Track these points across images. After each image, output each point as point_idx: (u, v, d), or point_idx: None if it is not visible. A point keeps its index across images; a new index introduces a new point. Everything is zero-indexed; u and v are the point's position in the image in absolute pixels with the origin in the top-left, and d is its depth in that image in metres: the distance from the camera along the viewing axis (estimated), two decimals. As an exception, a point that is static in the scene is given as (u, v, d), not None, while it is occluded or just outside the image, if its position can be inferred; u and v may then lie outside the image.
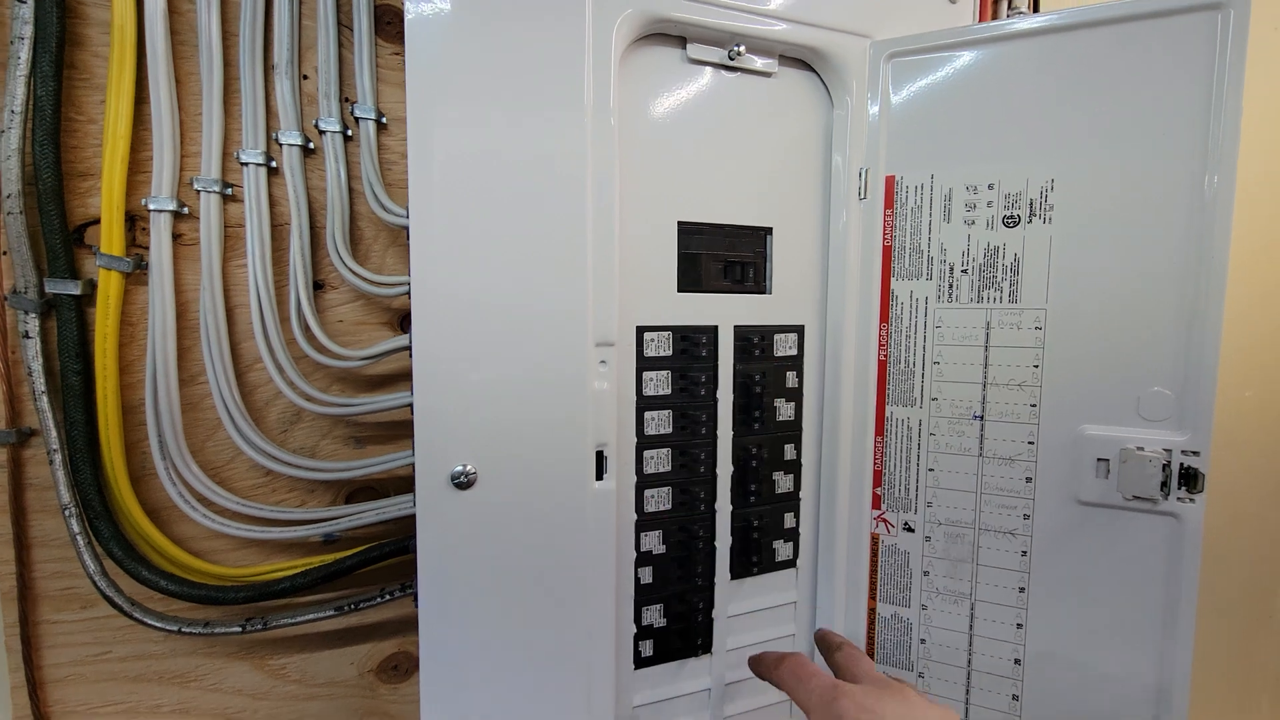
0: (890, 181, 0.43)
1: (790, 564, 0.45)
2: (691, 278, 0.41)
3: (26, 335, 0.36)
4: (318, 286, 0.41)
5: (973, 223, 0.40)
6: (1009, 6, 0.59)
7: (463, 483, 0.35)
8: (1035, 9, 0.61)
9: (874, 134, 0.43)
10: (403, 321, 0.44)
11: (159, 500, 0.39)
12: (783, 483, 0.45)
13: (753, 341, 0.43)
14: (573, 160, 0.36)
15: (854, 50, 0.42)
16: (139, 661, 0.40)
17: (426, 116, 0.33)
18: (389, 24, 0.42)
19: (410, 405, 0.41)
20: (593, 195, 0.36)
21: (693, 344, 0.41)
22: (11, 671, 0.37)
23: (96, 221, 0.37)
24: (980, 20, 0.58)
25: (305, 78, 0.41)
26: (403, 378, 0.44)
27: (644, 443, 0.40)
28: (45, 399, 0.36)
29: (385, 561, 0.40)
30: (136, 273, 0.38)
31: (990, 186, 0.40)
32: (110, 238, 0.36)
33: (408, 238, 0.41)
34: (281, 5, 0.39)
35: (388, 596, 0.41)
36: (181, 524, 0.40)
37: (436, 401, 0.34)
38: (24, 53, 0.34)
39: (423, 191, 0.33)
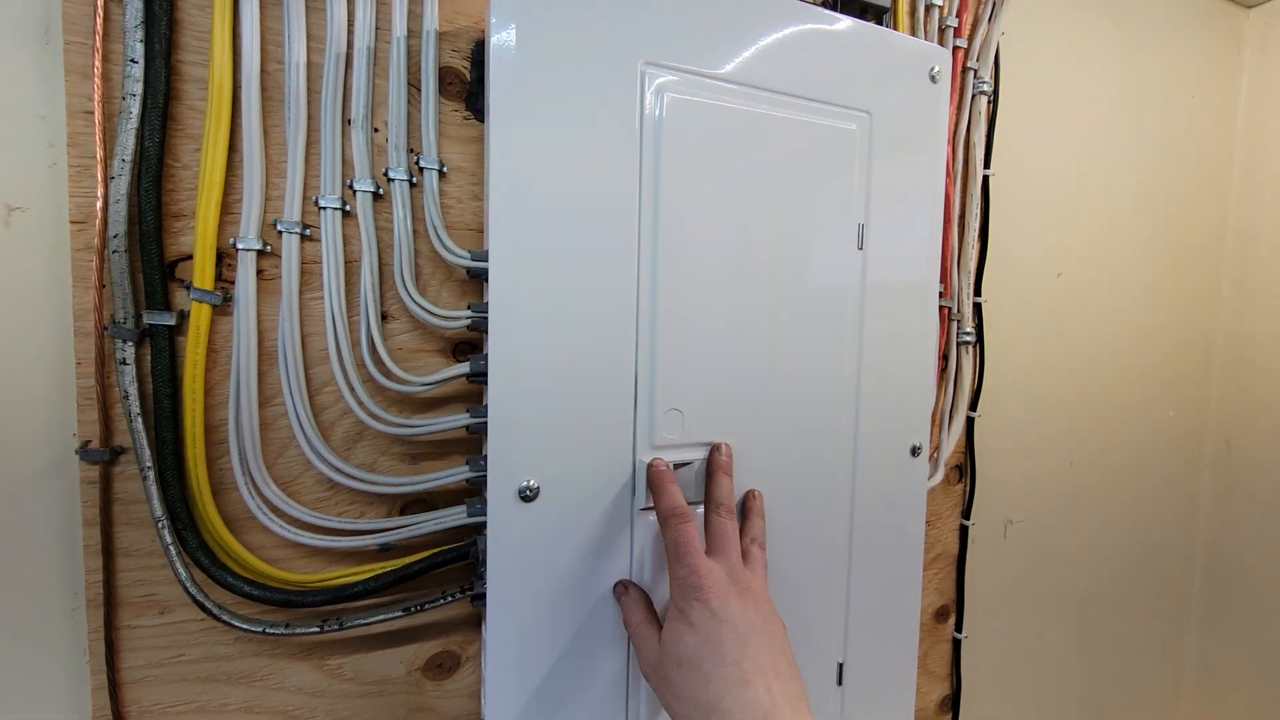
0: (884, 236, 0.50)
1: (796, 566, 0.52)
2: (717, 315, 0.47)
3: (124, 362, 0.39)
4: (383, 317, 0.46)
5: (953, 274, 0.48)
6: (975, 79, 0.68)
7: (528, 496, 0.40)
8: (996, 85, 0.70)
9: (869, 195, 0.50)
10: (455, 350, 0.48)
11: (234, 512, 0.43)
12: (790, 494, 0.51)
13: (767, 371, 0.49)
14: (623, 233, 0.42)
15: (855, 123, 0.50)
16: (209, 663, 0.43)
17: (508, 177, 0.39)
18: (450, 84, 0.47)
19: (466, 427, 0.45)
20: (640, 265, 0.42)
21: (718, 373, 0.47)
22: (94, 674, 0.40)
23: (188, 258, 0.41)
24: (952, 95, 0.67)
25: (376, 130, 0.45)
26: (453, 399, 0.48)
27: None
28: (140, 420, 0.39)
29: (447, 566, 0.45)
30: (223, 304, 0.41)
31: (967, 244, 0.47)
32: (203, 274, 0.40)
33: (469, 275, 0.47)
34: (359, 67, 0.44)
35: (450, 598, 0.45)
36: (253, 534, 0.43)
37: (507, 424, 0.39)
38: (135, 108, 0.38)
39: (501, 270, 0.39)
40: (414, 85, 0.46)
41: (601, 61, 0.41)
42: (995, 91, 0.71)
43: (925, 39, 0.65)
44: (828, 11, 0.49)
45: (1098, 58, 0.81)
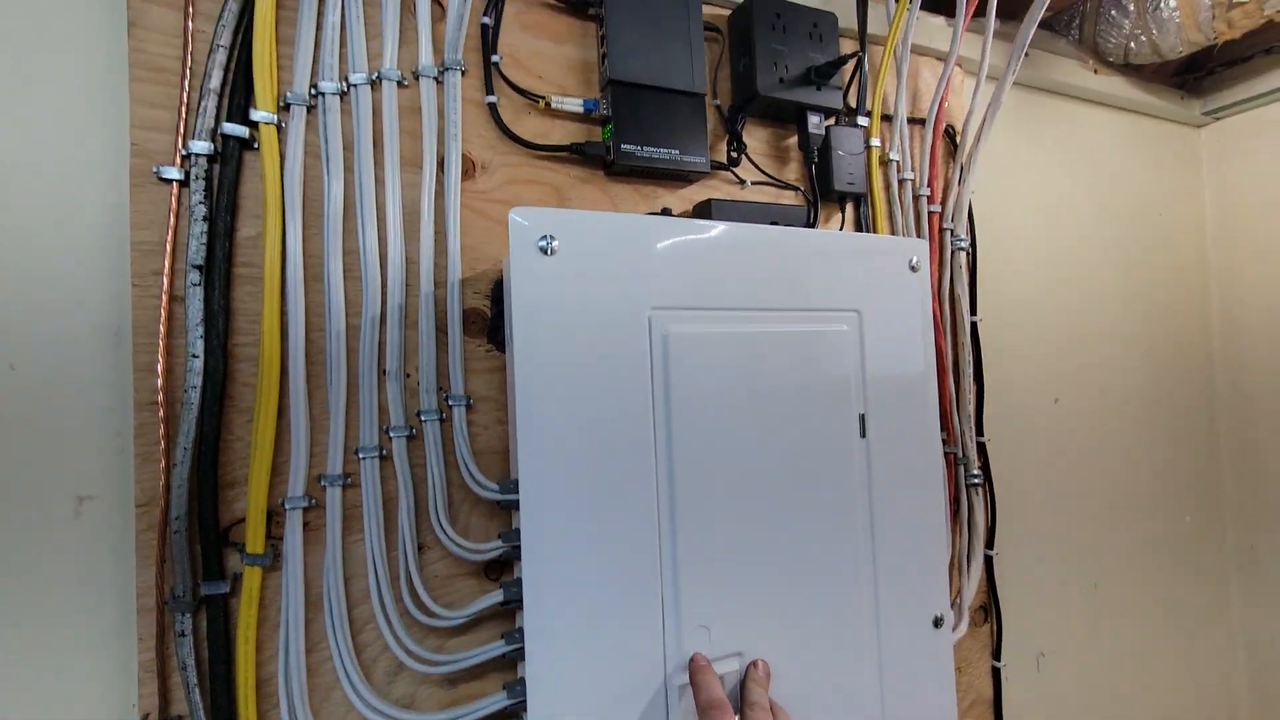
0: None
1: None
2: (734, 521, 0.50)
3: (182, 634, 0.41)
4: (419, 548, 0.48)
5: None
6: (952, 238, 0.73)
7: (567, 738, 0.41)
8: (973, 238, 0.75)
9: (866, 385, 0.54)
10: (487, 570, 0.51)
11: (282, 763, 0.44)
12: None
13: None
14: (640, 462, 0.45)
15: (846, 323, 0.54)
16: None
17: (529, 418, 0.42)
18: (473, 323, 0.52)
19: (504, 654, 0.47)
20: (659, 488, 0.45)
21: (740, 579, 0.49)
22: None
23: (240, 521, 0.44)
24: (933, 255, 0.71)
25: (408, 376, 0.49)
26: (486, 620, 0.50)
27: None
28: (197, 690, 0.41)
29: (489, 803, 0.45)
30: (273, 563, 0.44)
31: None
32: (255, 538, 0.43)
33: (499, 506, 0.49)
34: (392, 323, 0.48)
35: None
36: (299, 782, 0.44)
37: (545, 674, 0.41)
38: (196, 399, 0.42)
39: (532, 515, 0.42)
40: (441, 330, 0.50)
41: (612, 314, 0.45)
42: (973, 244, 0.75)
43: (901, 211, 0.70)
44: (813, 231, 0.54)
45: (1068, 192, 0.87)
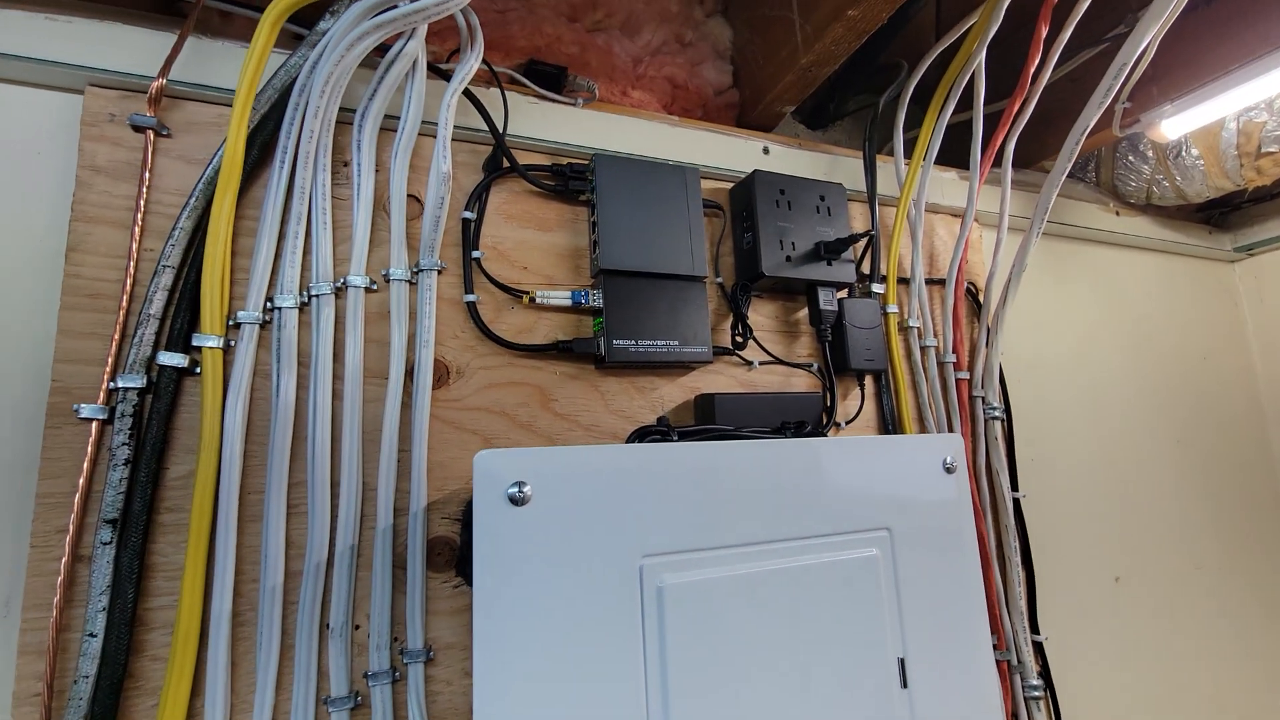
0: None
1: None
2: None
3: None
4: None
5: None
6: (985, 406, 0.66)
7: None
8: (1007, 405, 0.68)
9: (904, 620, 0.45)
10: None
11: None
12: None
13: None
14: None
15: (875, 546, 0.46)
16: None
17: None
18: (439, 555, 0.44)
19: None
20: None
21: None
22: None
23: (129, 843, 0.35)
24: (965, 427, 0.64)
25: (357, 628, 0.42)
26: None
27: None
28: None
29: None
30: None
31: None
32: None
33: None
34: (341, 567, 0.41)
35: None
36: None
37: None
38: (86, 692, 0.34)
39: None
40: (400, 566, 0.43)
41: (596, 569, 0.38)
42: (1007, 410, 0.68)
43: (926, 381, 0.64)
44: (826, 441, 0.47)
45: (1104, 341, 0.81)
